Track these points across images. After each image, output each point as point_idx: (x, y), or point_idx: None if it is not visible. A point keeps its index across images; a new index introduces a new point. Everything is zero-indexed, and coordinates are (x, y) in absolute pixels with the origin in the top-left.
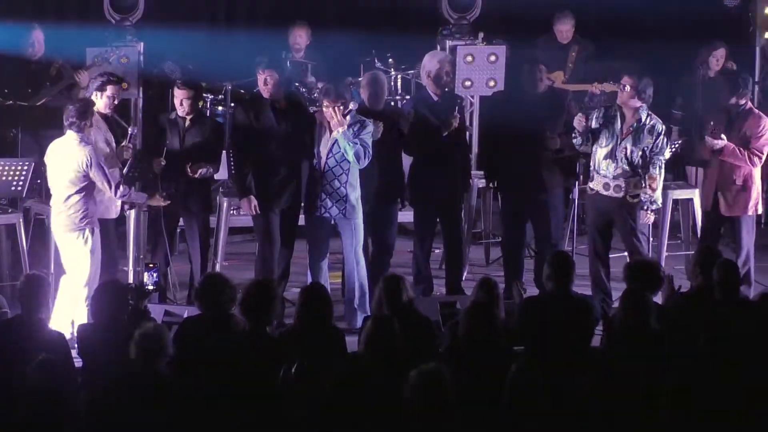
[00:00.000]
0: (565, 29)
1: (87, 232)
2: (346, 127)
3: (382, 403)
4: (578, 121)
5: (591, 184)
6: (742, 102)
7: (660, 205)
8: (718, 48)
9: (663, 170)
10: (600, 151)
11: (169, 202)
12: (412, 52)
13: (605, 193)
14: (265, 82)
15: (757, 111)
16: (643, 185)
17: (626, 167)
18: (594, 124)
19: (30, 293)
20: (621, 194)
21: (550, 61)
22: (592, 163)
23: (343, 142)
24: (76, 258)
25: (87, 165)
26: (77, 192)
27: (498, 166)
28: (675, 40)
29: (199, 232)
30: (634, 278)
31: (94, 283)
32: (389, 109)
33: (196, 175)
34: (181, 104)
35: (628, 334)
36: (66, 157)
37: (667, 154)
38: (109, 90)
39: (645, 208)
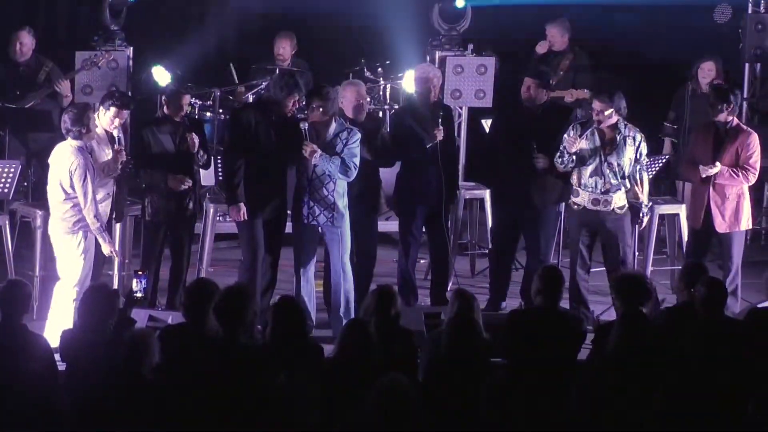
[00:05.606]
0: (553, 34)
1: (80, 235)
2: (319, 153)
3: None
4: (570, 143)
5: (576, 200)
6: (731, 118)
7: (648, 206)
8: (706, 61)
9: (645, 173)
10: (585, 170)
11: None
12: (401, 61)
13: (593, 207)
14: (294, 103)
15: (745, 127)
16: (635, 194)
17: (614, 181)
18: (585, 145)
19: (11, 299)
20: (609, 208)
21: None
22: (575, 180)
23: (324, 166)
24: (68, 260)
25: (72, 172)
26: (71, 197)
27: (494, 176)
28: (666, 55)
29: (188, 237)
30: (622, 291)
31: (85, 287)
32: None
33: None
34: (183, 108)
35: (623, 354)
36: (60, 163)
37: (645, 158)
38: (112, 111)
39: (642, 214)
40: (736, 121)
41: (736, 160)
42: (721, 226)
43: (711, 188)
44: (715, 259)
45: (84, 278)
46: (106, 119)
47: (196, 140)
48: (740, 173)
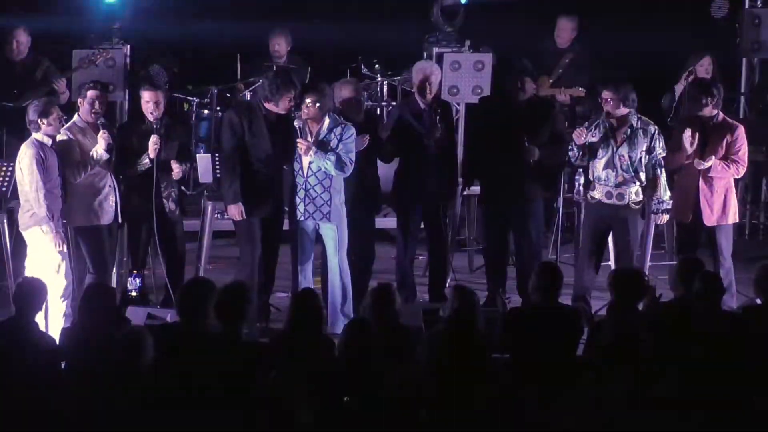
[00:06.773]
0: (565, 28)
1: (36, 230)
2: (314, 149)
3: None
4: (578, 134)
5: (592, 193)
6: (715, 112)
7: (669, 204)
8: (704, 57)
9: (663, 169)
10: (599, 162)
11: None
12: (398, 58)
13: (608, 201)
14: (289, 101)
15: (731, 121)
16: (648, 190)
17: (626, 174)
18: (593, 138)
19: (25, 297)
20: (624, 202)
21: (541, 64)
22: (591, 174)
23: (319, 162)
24: (31, 256)
25: (20, 161)
26: (25, 191)
27: (481, 173)
28: (663, 51)
29: (177, 235)
30: (619, 287)
31: (71, 280)
32: (368, 115)
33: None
34: (149, 106)
35: (615, 346)
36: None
37: (660, 152)
38: (89, 95)
39: (656, 211)
40: (721, 115)
41: (725, 153)
42: (709, 219)
43: (701, 181)
44: (707, 252)
45: (66, 270)
46: (86, 108)
47: (154, 146)
48: (731, 166)
